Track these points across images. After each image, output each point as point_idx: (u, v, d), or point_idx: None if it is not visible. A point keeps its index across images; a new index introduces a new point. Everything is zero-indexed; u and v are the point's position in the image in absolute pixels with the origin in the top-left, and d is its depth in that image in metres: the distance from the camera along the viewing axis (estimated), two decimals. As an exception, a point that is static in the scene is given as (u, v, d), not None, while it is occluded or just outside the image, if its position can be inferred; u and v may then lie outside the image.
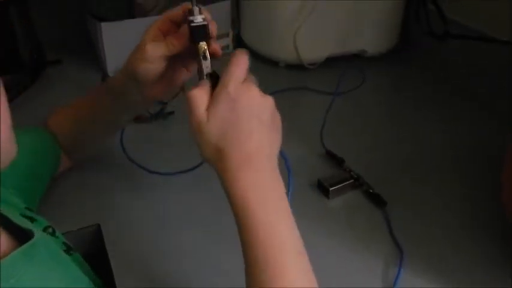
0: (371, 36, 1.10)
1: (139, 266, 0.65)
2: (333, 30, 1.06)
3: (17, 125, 0.88)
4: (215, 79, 0.54)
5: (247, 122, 0.51)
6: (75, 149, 0.77)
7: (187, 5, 0.58)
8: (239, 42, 1.16)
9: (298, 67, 1.09)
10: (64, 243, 0.55)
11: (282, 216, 0.51)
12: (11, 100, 0.95)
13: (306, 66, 1.08)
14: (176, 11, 0.60)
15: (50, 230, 0.56)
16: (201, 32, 0.57)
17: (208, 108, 0.51)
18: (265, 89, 0.97)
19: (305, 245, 0.64)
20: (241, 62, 0.54)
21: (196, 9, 0.56)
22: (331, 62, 1.09)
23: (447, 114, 0.97)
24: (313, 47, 1.07)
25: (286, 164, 0.62)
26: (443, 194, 0.77)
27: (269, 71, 1.10)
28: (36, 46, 1.04)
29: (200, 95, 0.52)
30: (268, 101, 0.54)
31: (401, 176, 0.81)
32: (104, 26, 1.01)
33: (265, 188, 0.50)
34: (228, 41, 1.15)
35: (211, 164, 0.52)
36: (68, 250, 0.55)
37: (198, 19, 0.56)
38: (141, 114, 0.93)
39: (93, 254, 0.72)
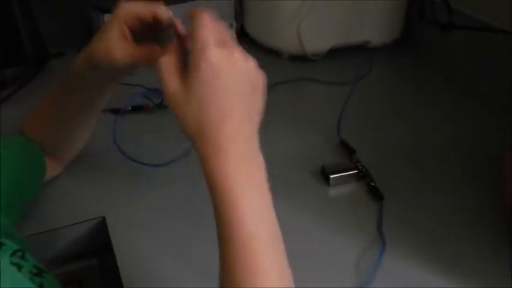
0: (375, 27, 1.09)
1: (145, 258, 0.65)
2: (336, 21, 1.05)
3: (20, 116, 0.89)
4: (183, 42, 0.52)
5: (230, 97, 0.47)
6: (58, 151, 0.73)
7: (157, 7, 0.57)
8: (242, 34, 1.16)
9: (301, 58, 1.08)
10: (35, 266, 0.53)
11: (264, 206, 0.49)
12: (14, 93, 0.97)
13: (310, 57, 1.08)
14: (144, 11, 0.57)
15: (19, 253, 0.52)
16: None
17: (186, 78, 0.48)
18: (268, 80, 0.97)
19: (304, 229, 0.64)
20: (208, 22, 0.49)
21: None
22: (334, 53, 1.08)
23: (451, 106, 0.96)
24: (317, 38, 1.06)
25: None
26: (443, 190, 0.76)
27: (273, 62, 1.09)
28: (39, 38, 1.03)
29: (171, 62, 0.49)
30: (250, 64, 0.50)
31: (403, 171, 0.80)
32: (107, 17, 1.01)
33: (245, 174, 0.47)
34: (232, 32, 1.14)
35: (191, 140, 0.48)
36: (39, 273, 0.53)
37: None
38: (145, 104, 0.93)
39: (98, 246, 0.72)
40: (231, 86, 0.47)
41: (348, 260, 0.65)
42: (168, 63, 0.50)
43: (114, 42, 0.58)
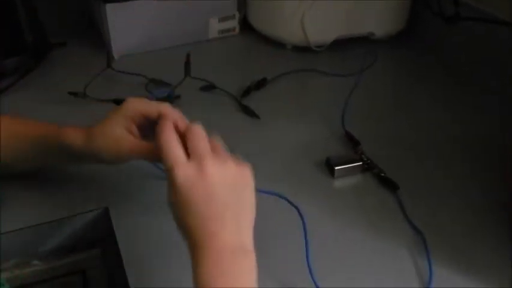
0: (379, 18, 1.08)
1: (148, 248, 0.64)
2: (340, 13, 1.04)
3: (20, 107, 0.88)
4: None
5: (220, 208, 0.50)
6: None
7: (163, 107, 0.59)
8: (245, 24, 1.15)
9: (305, 49, 1.07)
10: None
11: None
12: (14, 83, 0.96)
13: (314, 48, 1.07)
14: (151, 110, 0.60)
15: None
16: None
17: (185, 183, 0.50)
18: (271, 71, 0.97)
19: (311, 222, 0.64)
20: (200, 135, 0.53)
21: None
22: (338, 44, 1.07)
23: (455, 98, 0.95)
24: (321, 29, 1.05)
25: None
26: (447, 183, 0.76)
27: (276, 53, 1.09)
28: (40, 28, 1.02)
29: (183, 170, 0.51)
30: (245, 173, 0.52)
31: (407, 163, 0.80)
32: (109, 7, 1.00)
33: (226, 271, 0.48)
34: (234, 23, 1.13)
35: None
36: None
37: None
38: (147, 96, 0.92)
39: (101, 237, 0.72)
40: (208, 197, 0.49)
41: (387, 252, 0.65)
42: (181, 173, 0.51)
43: (122, 139, 0.60)
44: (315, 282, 0.59)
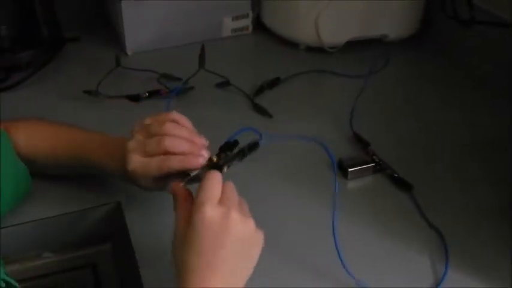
0: (393, 21, 1.08)
1: (160, 242, 0.64)
2: (355, 14, 1.04)
3: (33, 101, 0.89)
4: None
5: (218, 255, 0.50)
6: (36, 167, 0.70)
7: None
8: (259, 24, 1.15)
9: (318, 50, 1.07)
10: (3, 279, 0.53)
11: None
12: (29, 76, 0.97)
13: (327, 49, 1.07)
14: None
15: None
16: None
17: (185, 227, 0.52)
18: (284, 71, 0.96)
19: (324, 224, 0.64)
20: (215, 181, 0.53)
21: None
22: (352, 46, 1.07)
23: (468, 102, 0.95)
24: (335, 30, 1.06)
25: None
26: (458, 185, 0.76)
27: (289, 53, 1.09)
28: (55, 23, 1.03)
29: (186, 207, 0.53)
30: (247, 225, 0.53)
31: (424, 162, 0.80)
32: (124, 4, 1.00)
33: None
34: (248, 22, 1.14)
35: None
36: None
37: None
38: (161, 89, 0.92)
39: (113, 231, 0.72)
40: (219, 242, 0.50)
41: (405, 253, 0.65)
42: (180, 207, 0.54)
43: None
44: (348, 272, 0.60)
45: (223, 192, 0.53)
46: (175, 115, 0.62)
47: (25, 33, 0.99)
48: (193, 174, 0.59)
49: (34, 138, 0.69)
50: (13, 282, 0.54)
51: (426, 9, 1.11)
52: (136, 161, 0.60)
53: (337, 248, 0.60)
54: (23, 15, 0.98)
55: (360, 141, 0.82)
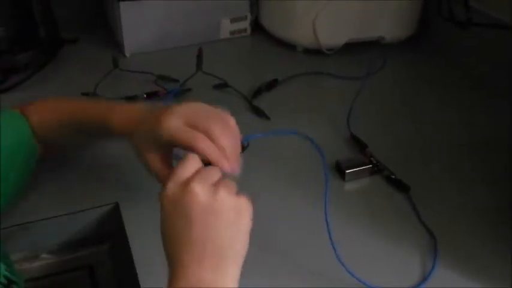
0: (390, 23, 1.08)
1: (158, 243, 0.64)
2: (352, 16, 1.05)
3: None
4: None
5: (209, 240, 0.48)
6: (51, 145, 0.70)
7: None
8: (257, 26, 1.15)
9: (316, 52, 1.08)
10: (5, 276, 0.53)
11: None
12: (27, 78, 0.97)
13: (324, 51, 1.07)
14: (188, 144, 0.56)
15: None
16: None
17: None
18: (282, 73, 0.96)
19: (321, 224, 0.64)
20: (189, 162, 0.51)
21: None
22: (349, 47, 1.08)
23: (464, 103, 0.96)
24: (332, 32, 1.06)
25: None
26: (456, 186, 0.76)
27: (286, 55, 1.09)
28: (53, 24, 1.03)
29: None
30: (246, 211, 0.50)
31: (422, 163, 0.80)
32: (123, 5, 1.01)
33: None
34: (246, 24, 1.14)
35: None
36: (8, 285, 0.53)
37: None
38: (158, 90, 0.92)
39: (110, 232, 0.72)
40: (211, 226, 0.48)
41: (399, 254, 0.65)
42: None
43: (153, 158, 0.59)
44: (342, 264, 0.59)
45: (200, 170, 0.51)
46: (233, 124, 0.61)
47: (23, 34, 0.99)
48: None
49: (45, 111, 0.69)
50: (14, 278, 0.54)
51: (423, 11, 1.11)
52: (175, 121, 0.56)
53: (333, 247, 0.60)
54: (21, 17, 0.98)
55: (357, 143, 0.82)
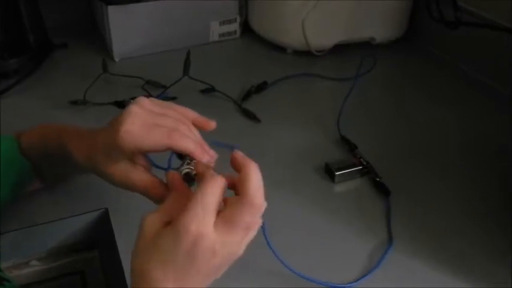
0: (380, 24, 1.09)
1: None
2: (341, 18, 1.05)
3: (21, 109, 0.88)
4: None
5: (190, 277, 0.45)
6: (45, 173, 0.69)
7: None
8: (246, 28, 1.15)
9: (306, 54, 1.08)
10: None
11: None
12: (16, 83, 0.96)
13: (314, 53, 1.07)
14: (155, 147, 0.52)
15: None
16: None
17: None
18: (272, 75, 0.96)
19: (308, 224, 0.65)
20: (218, 191, 0.46)
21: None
22: (339, 49, 1.08)
23: (455, 103, 0.96)
24: (322, 33, 1.06)
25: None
26: (451, 185, 0.76)
27: (276, 57, 1.09)
28: (42, 29, 1.03)
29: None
30: (234, 250, 0.47)
31: (405, 167, 0.80)
32: (111, 9, 1.00)
33: None
34: (236, 26, 1.14)
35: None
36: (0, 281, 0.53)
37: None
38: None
39: (101, 238, 0.72)
40: (198, 268, 0.45)
41: (355, 256, 0.65)
42: (170, 202, 0.49)
43: (128, 172, 0.56)
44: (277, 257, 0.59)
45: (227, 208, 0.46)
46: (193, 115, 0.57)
47: (12, 40, 0.99)
48: (184, 168, 0.52)
49: (32, 138, 0.67)
50: (6, 276, 0.54)
51: (412, 11, 1.11)
52: (135, 123, 0.51)
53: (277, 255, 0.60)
54: (9, 22, 0.98)
55: (347, 144, 0.82)
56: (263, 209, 0.47)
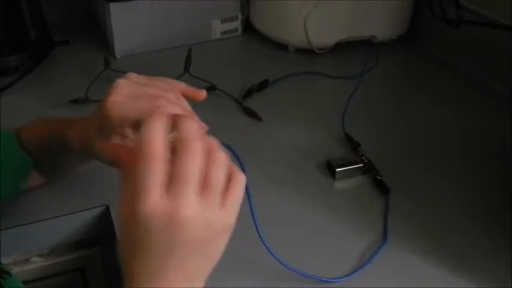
0: (381, 22, 1.09)
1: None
2: (343, 16, 1.05)
3: (22, 106, 0.88)
4: None
5: (169, 261, 0.41)
6: (46, 167, 0.69)
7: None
8: (248, 26, 1.15)
9: (307, 52, 1.08)
10: None
11: None
12: (17, 80, 0.96)
13: (316, 51, 1.07)
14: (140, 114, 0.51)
15: None
16: None
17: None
18: (274, 73, 0.96)
19: (308, 221, 0.66)
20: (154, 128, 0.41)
21: None
22: (341, 47, 1.08)
23: (456, 101, 0.96)
24: (323, 31, 1.06)
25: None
26: (451, 185, 0.76)
27: (278, 55, 1.09)
28: (44, 26, 1.03)
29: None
30: (209, 223, 0.41)
31: (407, 165, 0.80)
32: (113, 6, 1.00)
33: None
34: (237, 24, 1.14)
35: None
36: (1, 274, 0.53)
37: None
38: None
39: (102, 235, 0.72)
40: (170, 246, 0.41)
41: (354, 253, 0.65)
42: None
43: (118, 148, 0.55)
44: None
45: (175, 162, 0.40)
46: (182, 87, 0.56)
47: (13, 37, 0.99)
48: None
49: (32, 133, 0.67)
50: (6, 269, 0.54)
51: (414, 9, 1.11)
52: (121, 93, 0.51)
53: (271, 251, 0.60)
54: (10, 19, 0.97)
55: (350, 142, 0.82)
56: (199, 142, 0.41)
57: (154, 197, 0.39)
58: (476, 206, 0.72)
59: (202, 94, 0.57)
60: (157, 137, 0.40)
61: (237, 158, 0.76)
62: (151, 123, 0.40)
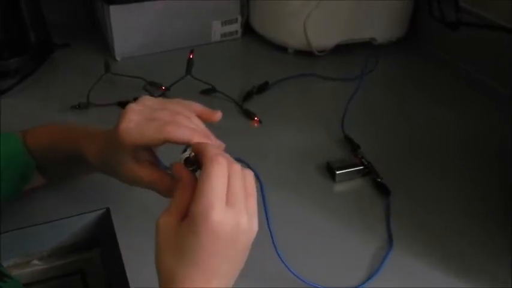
0: (381, 24, 1.09)
1: (149, 249, 0.64)
2: (343, 18, 1.05)
3: (22, 109, 0.88)
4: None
5: (216, 265, 0.45)
6: (49, 171, 0.69)
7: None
8: (248, 28, 1.15)
9: (307, 54, 1.08)
10: None
11: None
12: (17, 83, 0.97)
13: (316, 53, 1.07)
14: (153, 141, 0.52)
15: None
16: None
17: (185, 221, 0.45)
18: (273, 75, 0.96)
19: (308, 223, 0.66)
20: (222, 171, 0.45)
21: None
22: (340, 49, 1.08)
23: (457, 103, 0.96)
24: (323, 33, 1.06)
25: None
26: (451, 185, 0.76)
27: (278, 57, 1.09)
28: (44, 29, 1.03)
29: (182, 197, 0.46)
30: (252, 233, 0.46)
31: (408, 167, 0.80)
32: (113, 9, 1.00)
33: None
34: (237, 26, 1.14)
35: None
36: (1, 277, 0.53)
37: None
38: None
39: (102, 237, 0.72)
40: (223, 254, 0.45)
41: (355, 256, 0.65)
42: (179, 195, 0.47)
43: (133, 171, 0.56)
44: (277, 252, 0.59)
45: (230, 184, 0.45)
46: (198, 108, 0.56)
47: (13, 39, 0.99)
48: (186, 154, 0.51)
49: (39, 137, 0.67)
50: (6, 272, 0.54)
51: (414, 11, 1.11)
52: (132, 120, 0.51)
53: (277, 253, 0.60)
54: (10, 21, 0.98)
55: (350, 144, 0.82)
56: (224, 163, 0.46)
57: (222, 207, 0.44)
58: (476, 206, 0.73)
59: (218, 115, 0.57)
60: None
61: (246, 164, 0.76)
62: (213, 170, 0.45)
